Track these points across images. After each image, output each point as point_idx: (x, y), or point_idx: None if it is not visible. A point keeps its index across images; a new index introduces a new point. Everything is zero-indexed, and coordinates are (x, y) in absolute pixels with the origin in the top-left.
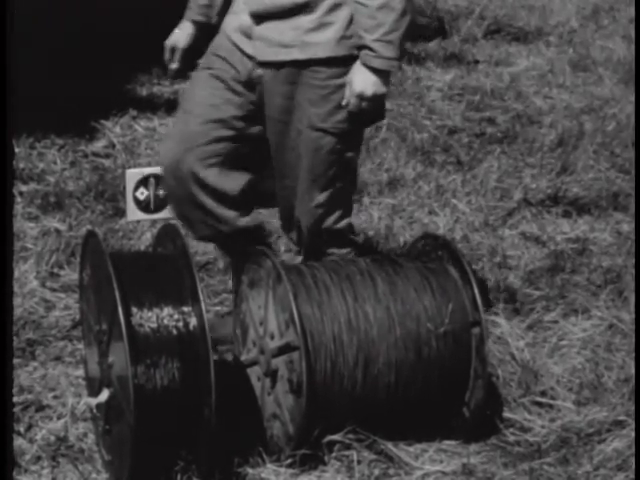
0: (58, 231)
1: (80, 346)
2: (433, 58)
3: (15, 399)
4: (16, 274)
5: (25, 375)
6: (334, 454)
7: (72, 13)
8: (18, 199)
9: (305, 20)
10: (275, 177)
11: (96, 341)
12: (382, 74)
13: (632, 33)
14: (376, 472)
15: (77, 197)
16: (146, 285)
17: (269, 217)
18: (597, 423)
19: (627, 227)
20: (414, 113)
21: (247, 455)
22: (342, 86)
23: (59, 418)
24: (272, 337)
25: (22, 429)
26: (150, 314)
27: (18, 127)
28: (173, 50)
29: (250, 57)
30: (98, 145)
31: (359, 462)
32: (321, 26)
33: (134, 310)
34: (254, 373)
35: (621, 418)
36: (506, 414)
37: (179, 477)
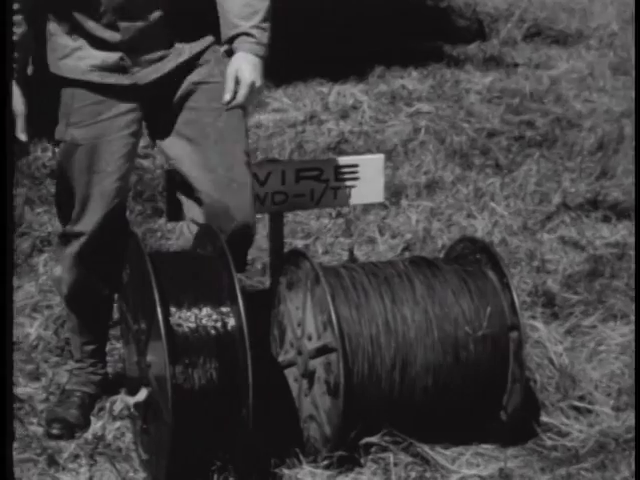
0: None
1: (118, 345)
2: (472, 61)
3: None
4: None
5: (63, 373)
6: (370, 456)
7: None
8: None
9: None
10: None
11: (134, 340)
12: (262, 61)
13: None
14: (412, 475)
15: None
16: (185, 285)
17: (306, 219)
18: (635, 429)
19: None
20: (453, 116)
21: (284, 456)
22: None
23: (97, 417)
24: (310, 338)
25: None
26: (189, 314)
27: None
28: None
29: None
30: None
31: (395, 465)
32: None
33: (173, 310)
34: (291, 374)
35: None
36: (544, 418)
37: (216, 477)
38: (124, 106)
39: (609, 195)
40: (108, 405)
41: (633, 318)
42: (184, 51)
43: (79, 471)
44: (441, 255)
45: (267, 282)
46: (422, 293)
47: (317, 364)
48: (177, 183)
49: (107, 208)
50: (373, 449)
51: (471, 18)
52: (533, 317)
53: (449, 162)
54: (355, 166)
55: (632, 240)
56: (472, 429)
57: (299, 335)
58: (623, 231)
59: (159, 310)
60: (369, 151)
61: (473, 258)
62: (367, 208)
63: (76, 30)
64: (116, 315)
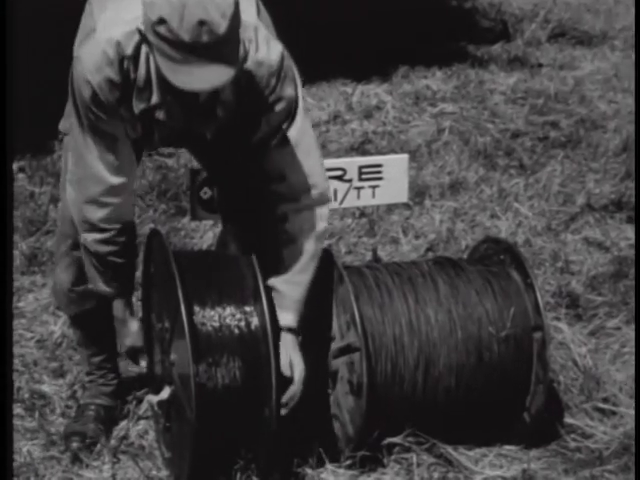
0: None
1: None
2: (496, 61)
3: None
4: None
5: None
6: (393, 456)
7: None
8: None
9: None
10: None
11: (158, 339)
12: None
13: None
14: (435, 476)
15: (140, 196)
16: (209, 284)
17: (330, 218)
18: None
19: None
20: (477, 116)
21: (306, 456)
22: None
23: (122, 416)
24: (333, 338)
25: None
26: (212, 313)
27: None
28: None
29: None
30: None
31: (418, 465)
32: None
33: (196, 309)
34: None
35: None
36: (567, 420)
37: (238, 476)
38: None
39: (633, 196)
40: (132, 406)
41: None
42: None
43: (102, 469)
44: (465, 256)
45: None
46: (446, 293)
47: (340, 364)
48: (202, 182)
49: None
50: (396, 449)
51: (495, 18)
52: (557, 318)
53: (473, 162)
54: (379, 166)
55: None
56: (495, 430)
57: None
58: None
59: (183, 309)
60: (393, 151)
61: (497, 259)
62: (390, 208)
63: None
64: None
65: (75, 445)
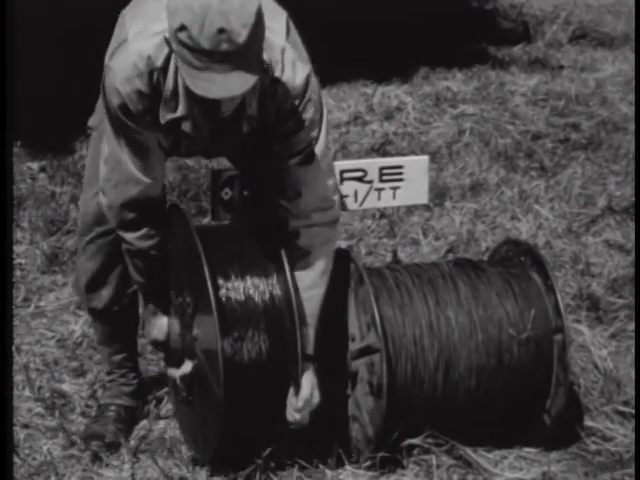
0: None
1: None
2: (517, 63)
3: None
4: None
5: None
6: (413, 458)
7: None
8: None
9: None
10: None
11: (178, 314)
12: None
13: None
14: (455, 477)
15: None
16: (231, 258)
17: (350, 219)
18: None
19: None
20: (498, 118)
21: (326, 456)
22: None
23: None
24: (353, 339)
25: None
26: (237, 286)
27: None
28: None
29: None
30: None
31: (438, 467)
32: None
33: (220, 282)
34: None
35: None
36: (587, 422)
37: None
38: None
39: None
40: (152, 406)
41: None
42: None
43: (122, 468)
44: (485, 257)
45: None
46: (466, 295)
47: (360, 365)
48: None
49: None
50: (415, 451)
51: (516, 20)
52: (577, 321)
53: (493, 164)
54: (400, 167)
55: None
56: (515, 432)
57: None
58: None
59: (210, 285)
60: (413, 152)
61: (517, 260)
62: (411, 209)
63: None
64: None
65: (94, 448)
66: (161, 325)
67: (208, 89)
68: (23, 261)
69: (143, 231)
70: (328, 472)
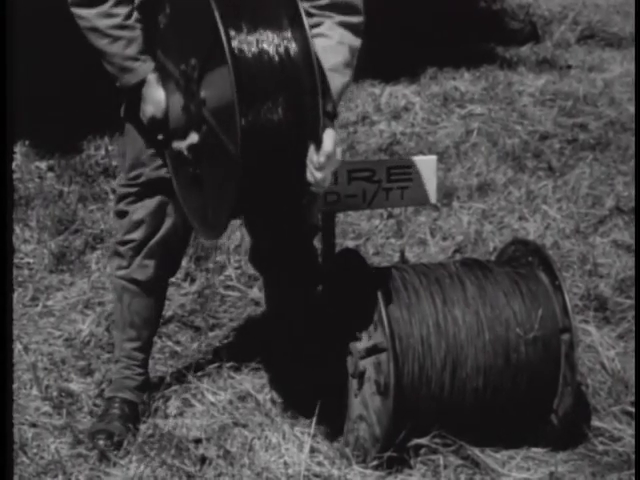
0: None
1: (169, 343)
2: (525, 63)
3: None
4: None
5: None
6: (420, 458)
7: None
8: (111, 196)
9: None
10: None
11: (181, 83)
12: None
13: None
14: (462, 478)
15: None
16: (244, 10)
17: (358, 219)
18: (635, 430)
19: None
20: (505, 118)
21: (333, 456)
22: None
23: (150, 413)
24: (360, 339)
25: None
26: (250, 38)
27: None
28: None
29: None
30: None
31: (445, 467)
32: None
33: (232, 34)
34: None
35: None
36: (595, 423)
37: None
38: None
39: None
40: (160, 404)
41: None
42: None
43: (130, 467)
44: (492, 257)
45: None
46: (473, 294)
47: (367, 364)
48: None
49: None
50: (423, 451)
51: (524, 20)
52: (585, 321)
53: (501, 164)
54: (407, 167)
55: None
56: (522, 432)
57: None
58: None
59: (223, 36)
60: (421, 152)
61: (525, 260)
62: (418, 209)
63: None
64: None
65: (101, 443)
66: (158, 98)
67: None
68: (31, 260)
69: (100, 8)
70: (335, 472)
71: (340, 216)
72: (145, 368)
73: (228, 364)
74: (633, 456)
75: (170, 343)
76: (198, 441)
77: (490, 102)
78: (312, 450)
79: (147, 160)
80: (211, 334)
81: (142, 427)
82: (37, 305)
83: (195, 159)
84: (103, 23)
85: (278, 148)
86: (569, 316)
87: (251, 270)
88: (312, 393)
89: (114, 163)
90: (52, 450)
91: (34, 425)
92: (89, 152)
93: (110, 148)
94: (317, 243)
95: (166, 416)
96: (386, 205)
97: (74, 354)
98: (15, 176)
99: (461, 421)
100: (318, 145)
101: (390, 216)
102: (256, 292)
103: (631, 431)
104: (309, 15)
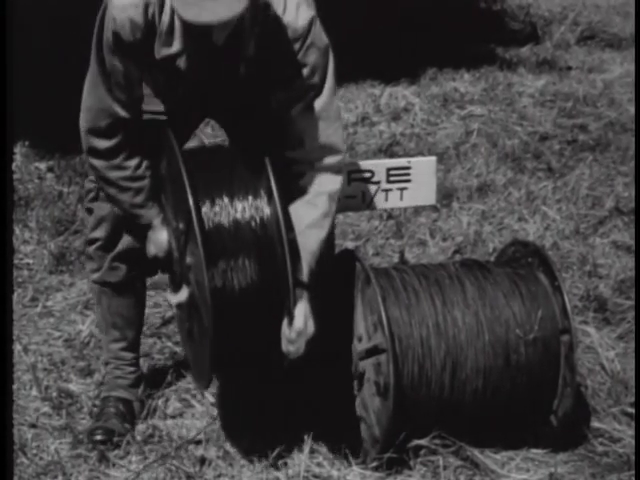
0: None
1: (169, 344)
2: (525, 64)
3: None
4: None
5: None
6: (420, 459)
7: None
8: None
9: None
10: None
11: (175, 238)
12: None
13: None
14: (462, 479)
15: None
16: (220, 182)
17: (357, 220)
18: (635, 431)
19: None
20: (505, 119)
21: (333, 457)
22: None
23: (147, 415)
24: (360, 339)
25: None
26: (225, 211)
27: None
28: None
29: None
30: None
31: (445, 468)
32: None
33: (207, 209)
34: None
35: None
36: (595, 424)
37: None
38: None
39: None
40: (159, 403)
41: None
42: None
43: (129, 468)
44: (492, 258)
45: None
46: (473, 295)
47: (367, 365)
48: None
49: None
50: (422, 452)
51: (524, 21)
52: (585, 322)
53: (501, 165)
54: (407, 168)
55: None
56: (522, 433)
57: None
58: None
59: (194, 217)
60: (420, 153)
61: (524, 261)
62: (418, 210)
63: None
64: (167, 313)
65: (99, 438)
66: (160, 240)
67: (197, 14)
68: (31, 261)
69: (113, 162)
70: (335, 472)
71: (340, 217)
72: (136, 366)
73: None
74: (633, 457)
75: (170, 343)
76: (198, 442)
77: (490, 103)
78: (312, 451)
79: None
80: None
81: (142, 427)
82: (37, 306)
83: (185, 315)
84: (114, 175)
85: (251, 320)
86: (569, 317)
87: None
88: (312, 393)
89: None
90: (52, 451)
91: (34, 426)
92: None
93: None
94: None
95: (166, 417)
96: (386, 206)
97: (74, 355)
98: (15, 177)
99: (461, 422)
100: (291, 318)
101: (390, 217)
102: None
103: (631, 432)
104: (289, 164)
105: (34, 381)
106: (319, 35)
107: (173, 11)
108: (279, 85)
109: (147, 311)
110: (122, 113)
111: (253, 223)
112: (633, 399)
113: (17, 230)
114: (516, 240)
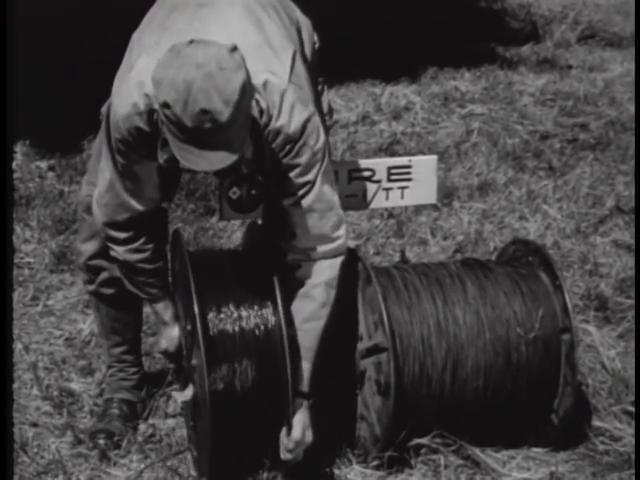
0: None
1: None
2: (526, 63)
3: None
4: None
5: None
6: (420, 458)
7: None
8: None
9: None
10: None
11: (184, 337)
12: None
13: None
14: (462, 478)
15: None
16: (226, 288)
17: (358, 219)
18: (635, 431)
19: None
20: (506, 118)
21: (334, 456)
22: None
23: (149, 413)
24: (361, 338)
25: None
26: (230, 317)
27: None
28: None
29: None
30: None
31: (446, 467)
32: None
33: (213, 314)
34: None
35: None
36: (596, 423)
37: (265, 476)
38: None
39: None
40: (160, 403)
41: None
42: None
43: (130, 467)
44: (493, 257)
45: None
46: (474, 294)
47: (368, 364)
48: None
49: None
50: (423, 450)
51: (525, 20)
52: (585, 321)
53: (502, 164)
54: (408, 167)
55: None
56: (523, 432)
57: None
58: None
59: (199, 325)
60: (421, 152)
61: (525, 260)
62: (419, 209)
63: None
64: None
65: (102, 442)
66: (171, 336)
67: (194, 162)
68: (31, 260)
69: (133, 245)
70: (336, 471)
71: None
72: (139, 366)
73: None
74: (633, 456)
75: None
76: None
77: (490, 102)
78: (313, 449)
79: None
80: None
81: (142, 427)
82: (38, 305)
83: (190, 413)
84: (133, 257)
85: (251, 425)
86: (569, 316)
87: None
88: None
89: None
90: (53, 450)
91: (35, 425)
92: (89, 152)
93: None
94: None
95: (166, 416)
96: (386, 205)
97: (75, 354)
98: (15, 176)
99: (462, 421)
100: (289, 427)
101: (391, 216)
102: None
103: (631, 431)
104: (285, 253)
105: (35, 380)
106: (313, 134)
107: None
108: (273, 182)
109: (147, 310)
110: (139, 207)
111: (257, 331)
112: (634, 398)
113: (18, 229)
114: (517, 239)
